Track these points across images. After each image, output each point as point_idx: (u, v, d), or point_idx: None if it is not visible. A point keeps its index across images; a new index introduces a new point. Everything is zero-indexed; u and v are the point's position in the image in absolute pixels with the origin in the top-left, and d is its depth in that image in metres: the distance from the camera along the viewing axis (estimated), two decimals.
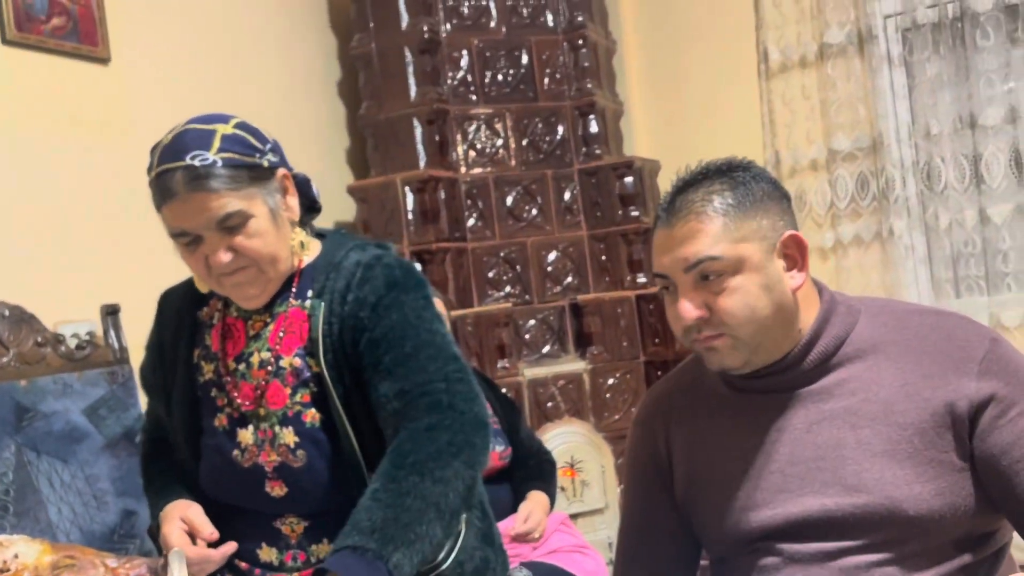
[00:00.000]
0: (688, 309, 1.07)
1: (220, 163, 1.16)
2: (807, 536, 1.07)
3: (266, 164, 1.22)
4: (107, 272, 2.25)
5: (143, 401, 2.04)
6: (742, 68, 3.19)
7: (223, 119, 1.22)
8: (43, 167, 2.16)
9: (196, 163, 1.15)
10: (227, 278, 1.21)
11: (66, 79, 2.23)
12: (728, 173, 1.09)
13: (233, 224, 1.17)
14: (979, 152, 2.79)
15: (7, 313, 1.99)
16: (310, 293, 1.27)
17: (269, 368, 1.25)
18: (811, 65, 3.03)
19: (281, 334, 1.26)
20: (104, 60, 2.32)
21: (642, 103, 3.52)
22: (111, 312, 2.15)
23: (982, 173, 2.79)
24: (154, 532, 2.04)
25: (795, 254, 1.10)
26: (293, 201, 1.26)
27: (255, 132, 1.23)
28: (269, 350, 1.26)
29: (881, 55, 2.94)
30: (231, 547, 1.24)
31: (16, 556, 1.08)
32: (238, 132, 1.20)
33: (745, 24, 3.16)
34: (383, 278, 1.23)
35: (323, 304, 1.23)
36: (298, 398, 1.24)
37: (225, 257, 1.18)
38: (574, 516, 2.68)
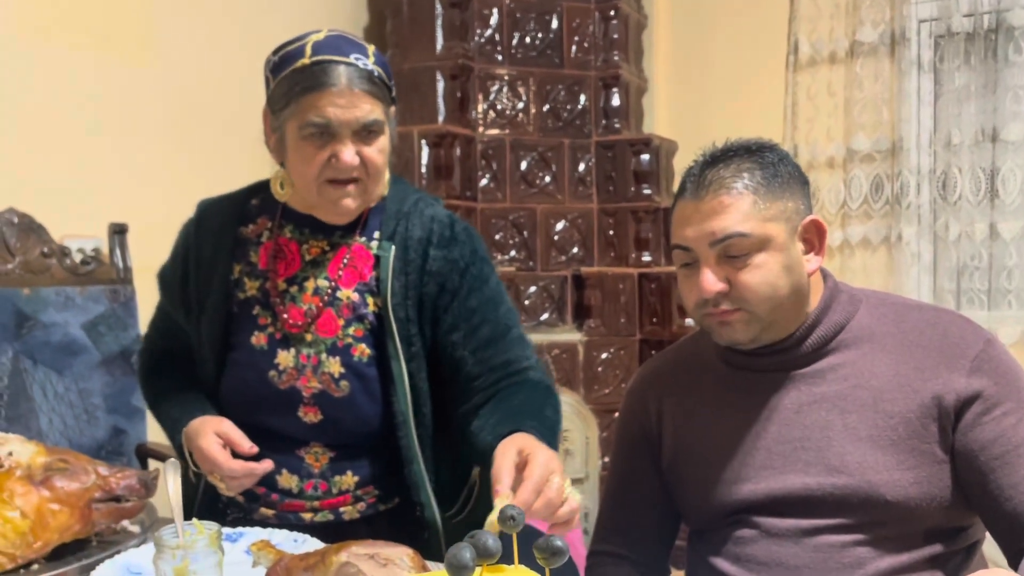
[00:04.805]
0: (712, 281, 1.07)
1: (377, 73, 1.22)
2: (785, 512, 1.09)
3: (393, 94, 1.27)
4: (117, 191, 2.25)
5: (143, 321, 2.06)
6: (771, 58, 3.17)
7: (363, 40, 1.26)
8: (65, 81, 2.16)
9: (360, 64, 1.20)
10: (335, 186, 1.21)
11: None
12: (757, 153, 1.10)
13: (372, 131, 1.21)
14: (997, 167, 2.78)
15: (16, 220, 2.00)
16: (377, 234, 1.28)
17: (325, 297, 1.25)
18: (840, 62, 3.01)
19: (343, 265, 1.27)
20: None
21: (666, 82, 3.51)
22: (119, 231, 2.16)
23: (997, 188, 2.79)
24: (151, 452, 2.07)
25: (814, 239, 1.11)
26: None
27: (388, 63, 1.28)
28: (327, 279, 1.26)
29: (911, 59, 2.93)
30: (269, 464, 1.23)
31: (11, 454, 1.09)
32: (380, 56, 1.25)
33: (779, 14, 3.14)
34: (468, 244, 1.29)
35: (394, 247, 1.26)
36: (350, 331, 1.25)
37: (355, 159, 1.20)
38: None
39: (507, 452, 0.98)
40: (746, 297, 1.07)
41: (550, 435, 1.09)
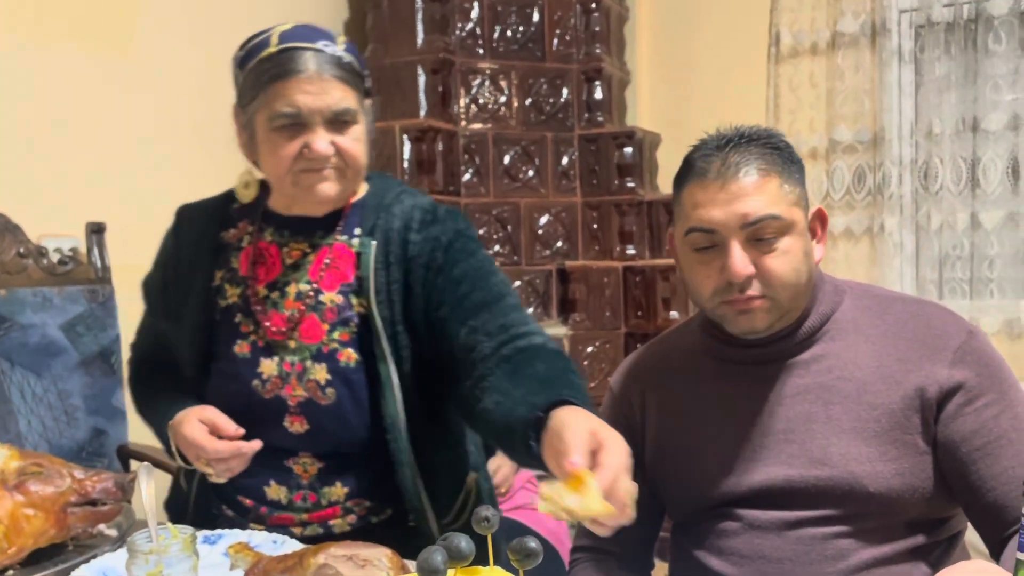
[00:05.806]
0: (744, 264, 1.04)
1: (346, 60, 1.17)
2: (768, 504, 1.09)
3: (367, 85, 1.22)
4: (95, 190, 2.23)
5: (122, 321, 2.04)
6: (753, 49, 3.17)
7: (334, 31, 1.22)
8: (41, 78, 2.13)
9: (328, 51, 1.15)
10: (311, 174, 1.16)
11: None
12: (768, 138, 1.08)
13: (345, 120, 1.16)
14: (978, 156, 2.80)
15: None
16: (357, 231, 1.23)
17: (307, 301, 1.21)
18: (822, 53, 3.02)
19: (324, 267, 1.22)
20: None
21: (649, 74, 3.50)
22: (96, 230, 2.13)
23: (979, 177, 2.80)
24: (132, 453, 2.05)
25: (818, 227, 1.12)
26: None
27: (360, 55, 1.24)
28: (309, 282, 1.22)
29: (892, 49, 2.93)
30: (258, 443, 1.16)
31: None
32: (351, 45, 1.21)
33: (760, 5, 3.14)
34: (451, 224, 1.22)
35: (374, 243, 1.21)
36: (336, 335, 1.20)
37: (329, 149, 1.15)
38: (541, 478, 2.70)
39: (579, 429, 0.86)
40: (772, 283, 1.05)
41: (590, 408, 0.96)
